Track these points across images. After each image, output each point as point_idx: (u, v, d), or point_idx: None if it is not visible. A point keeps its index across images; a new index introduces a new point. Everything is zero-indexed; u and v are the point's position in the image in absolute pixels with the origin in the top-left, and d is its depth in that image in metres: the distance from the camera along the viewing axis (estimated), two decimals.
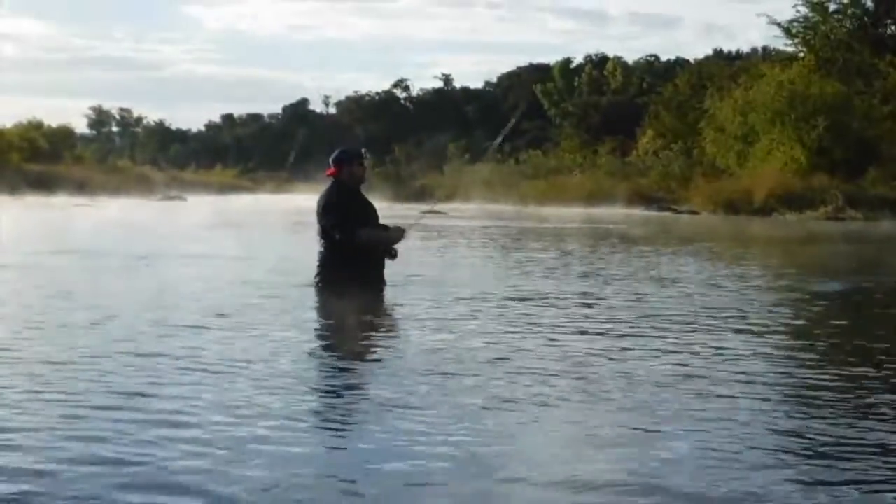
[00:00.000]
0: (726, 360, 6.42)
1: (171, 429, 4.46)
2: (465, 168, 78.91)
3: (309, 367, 6.10)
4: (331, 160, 9.54)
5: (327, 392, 5.48)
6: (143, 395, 5.12)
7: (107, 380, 5.46)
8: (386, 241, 9.49)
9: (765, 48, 69.69)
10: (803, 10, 49.59)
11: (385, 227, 9.60)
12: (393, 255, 9.58)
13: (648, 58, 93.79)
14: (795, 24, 50.09)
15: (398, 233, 9.53)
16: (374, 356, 6.57)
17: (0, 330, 7.21)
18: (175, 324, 7.55)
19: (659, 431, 4.57)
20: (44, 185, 66.25)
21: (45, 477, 3.80)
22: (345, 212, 9.33)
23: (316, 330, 7.96)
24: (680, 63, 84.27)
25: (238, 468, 3.92)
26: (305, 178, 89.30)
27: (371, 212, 9.58)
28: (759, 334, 7.60)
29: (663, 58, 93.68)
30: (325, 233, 9.42)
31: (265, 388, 5.32)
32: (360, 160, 9.63)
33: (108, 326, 7.43)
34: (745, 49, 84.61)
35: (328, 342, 7.30)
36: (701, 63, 75.87)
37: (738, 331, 7.73)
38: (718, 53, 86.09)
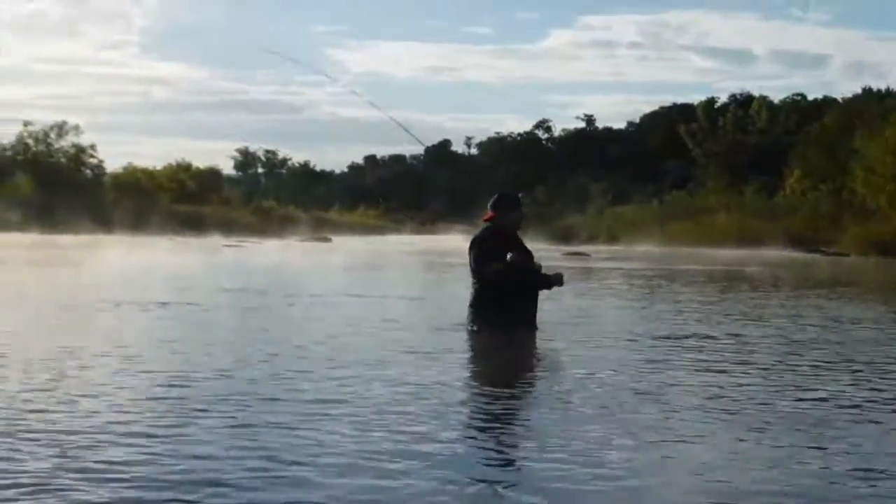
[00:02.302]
0: (875, 400, 6.51)
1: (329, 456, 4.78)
2: (608, 209, 78.82)
3: (460, 402, 6.31)
4: (489, 205, 9.65)
5: (482, 424, 5.64)
6: (309, 431, 5.41)
7: (276, 416, 5.78)
8: (519, 267, 9.33)
9: None
10: None
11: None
12: (549, 285, 9.61)
13: (795, 97, 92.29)
14: None
15: (534, 264, 9.46)
16: (525, 390, 6.81)
17: (184, 365, 7.65)
18: (328, 363, 7.81)
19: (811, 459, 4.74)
20: (191, 225, 68.33)
21: None
22: (487, 249, 9.42)
23: (467, 369, 8.14)
24: (827, 101, 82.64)
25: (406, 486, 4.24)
26: (448, 218, 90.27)
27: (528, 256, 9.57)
28: None
29: (810, 96, 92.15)
30: (475, 273, 9.58)
31: (420, 420, 5.56)
32: (517, 205, 9.77)
33: (282, 362, 7.82)
34: None
35: (479, 379, 7.46)
36: (849, 101, 74.36)
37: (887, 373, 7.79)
38: (868, 91, 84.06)
